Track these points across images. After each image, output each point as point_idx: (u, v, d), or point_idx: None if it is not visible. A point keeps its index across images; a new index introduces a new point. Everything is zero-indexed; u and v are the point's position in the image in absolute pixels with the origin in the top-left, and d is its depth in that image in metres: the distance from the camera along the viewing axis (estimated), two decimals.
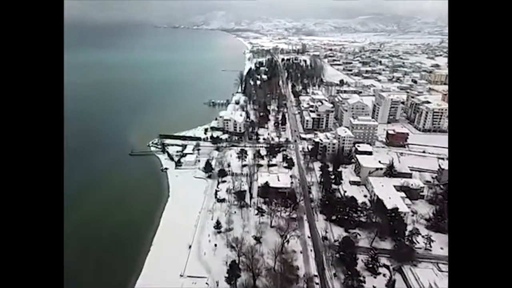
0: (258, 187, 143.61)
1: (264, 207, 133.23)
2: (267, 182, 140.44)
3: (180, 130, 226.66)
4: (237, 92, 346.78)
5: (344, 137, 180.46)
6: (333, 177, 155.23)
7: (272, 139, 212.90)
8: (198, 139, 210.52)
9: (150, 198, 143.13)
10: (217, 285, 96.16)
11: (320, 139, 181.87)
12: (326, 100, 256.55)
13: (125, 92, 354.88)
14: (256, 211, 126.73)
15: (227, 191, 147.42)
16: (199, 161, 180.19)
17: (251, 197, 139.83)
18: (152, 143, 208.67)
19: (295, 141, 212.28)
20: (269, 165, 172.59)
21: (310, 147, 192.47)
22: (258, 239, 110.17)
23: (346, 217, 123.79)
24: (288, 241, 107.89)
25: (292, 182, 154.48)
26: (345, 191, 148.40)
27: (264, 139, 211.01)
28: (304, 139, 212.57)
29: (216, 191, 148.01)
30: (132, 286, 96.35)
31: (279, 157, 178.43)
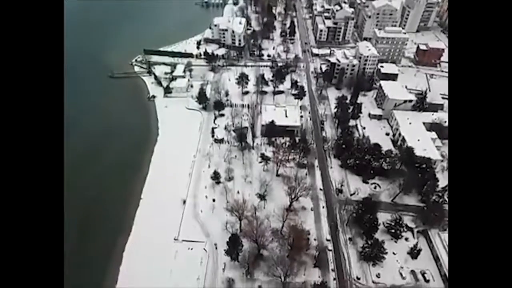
0: (262, 125, 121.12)
1: (269, 150, 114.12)
2: (272, 121, 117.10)
3: (168, 41, 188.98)
4: None
5: (367, 56, 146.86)
6: (350, 109, 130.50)
7: (279, 55, 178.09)
8: (190, 55, 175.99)
9: (135, 138, 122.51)
10: (216, 248, 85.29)
11: (338, 60, 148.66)
12: (345, 2, 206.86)
13: None
14: (259, 158, 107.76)
15: (225, 128, 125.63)
16: (191, 86, 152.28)
17: (253, 137, 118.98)
18: (136, 60, 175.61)
19: (307, 59, 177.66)
20: (275, 93, 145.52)
21: (323, 67, 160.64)
22: (262, 196, 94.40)
23: (364, 164, 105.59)
24: (297, 198, 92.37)
25: (301, 116, 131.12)
26: (364, 128, 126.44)
27: (268, 56, 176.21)
28: (317, 55, 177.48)
29: (213, 128, 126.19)
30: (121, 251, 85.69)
31: (287, 81, 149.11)
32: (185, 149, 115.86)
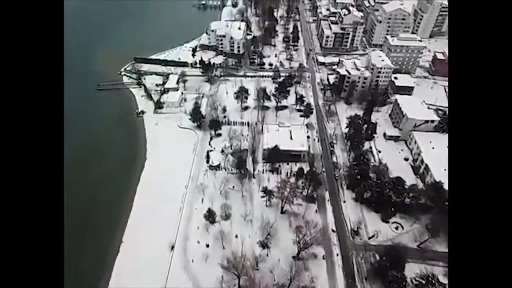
0: (264, 149, 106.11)
1: (272, 179, 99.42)
2: (276, 146, 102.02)
3: (161, 48, 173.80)
4: None
5: (381, 68, 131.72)
6: (364, 128, 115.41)
7: (281, 64, 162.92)
8: (184, 64, 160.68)
9: (119, 164, 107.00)
10: None
11: (347, 71, 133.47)
12: (352, 5, 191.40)
13: None
14: (261, 192, 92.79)
15: (222, 151, 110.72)
16: (185, 100, 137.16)
17: (254, 163, 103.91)
18: (125, 69, 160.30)
19: (313, 68, 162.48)
20: (278, 108, 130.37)
21: (331, 78, 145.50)
22: (264, 245, 79.25)
23: (383, 198, 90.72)
24: (306, 247, 77.46)
25: (308, 137, 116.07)
26: (379, 151, 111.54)
27: (270, 64, 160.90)
28: (323, 64, 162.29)
29: (208, 152, 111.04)
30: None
31: (292, 95, 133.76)
32: (176, 178, 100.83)
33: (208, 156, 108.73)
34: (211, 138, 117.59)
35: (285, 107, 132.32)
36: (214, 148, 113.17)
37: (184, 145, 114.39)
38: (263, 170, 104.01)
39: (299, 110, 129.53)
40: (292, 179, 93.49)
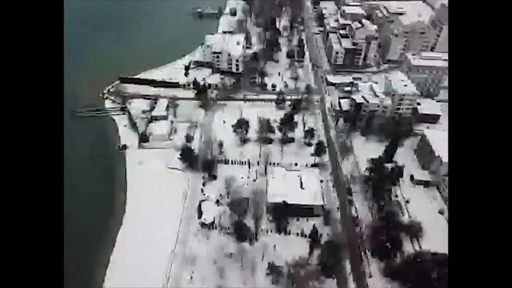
0: (267, 206, 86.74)
1: (279, 241, 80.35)
2: (284, 201, 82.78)
3: (151, 63, 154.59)
4: None
5: (404, 95, 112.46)
6: (387, 168, 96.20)
7: (286, 84, 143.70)
8: (175, 85, 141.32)
9: (89, 221, 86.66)
10: None
11: (364, 98, 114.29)
12: (364, 16, 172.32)
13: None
14: (267, 269, 73.38)
15: (217, 202, 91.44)
16: (175, 131, 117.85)
17: (256, 220, 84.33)
18: (109, 91, 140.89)
19: (322, 89, 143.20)
20: (284, 141, 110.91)
21: (343, 102, 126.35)
22: None
23: (421, 275, 71.25)
24: None
25: (321, 181, 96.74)
26: (407, 201, 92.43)
27: (273, 86, 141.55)
28: (333, 84, 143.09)
29: (200, 203, 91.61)
30: None
31: (299, 126, 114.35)
32: (160, 241, 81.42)
33: (200, 210, 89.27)
34: (204, 183, 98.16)
35: (292, 139, 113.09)
36: (208, 197, 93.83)
37: (172, 193, 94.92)
38: (268, 229, 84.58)
39: (308, 144, 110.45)
40: (306, 251, 73.98)
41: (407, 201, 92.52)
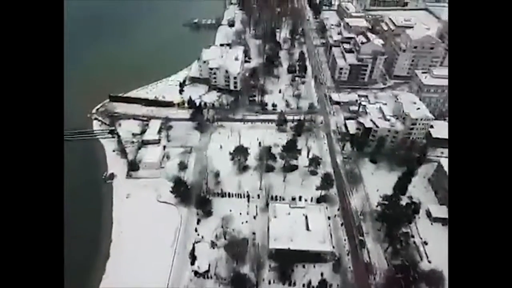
0: (271, 250, 76.96)
1: None
2: (289, 248, 73.13)
3: (144, 79, 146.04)
4: (231, 4, 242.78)
5: (416, 120, 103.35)
6: (401, 204, 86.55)
7: (287, 103, 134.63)
8: (169, 104, 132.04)
9: (66, 268, 76.69)
10: None
11: (373, 122, 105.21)
12: (369, 29, 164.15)
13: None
14: None
15: (212, 244, 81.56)
16: (167, 157, 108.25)
17: (258, 267, 74.38)
18: (97, 111, 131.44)
19: (326, 109, 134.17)
20: (286, 169, 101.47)
21: (349, 124, 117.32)
22: None
23: None
24: None
25: (329, 217, 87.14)
26: (425, 243, 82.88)
27: (274, 106, 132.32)
28: (338, 103, 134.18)
29: (194, 246, 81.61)
30: None
31: (302, 150, 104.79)
32: None
33: (193, 254, 79.26)
34: (198, 220, 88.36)
35: (295, 167, 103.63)
36: (202, 238, 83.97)
37: (163, 232, 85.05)
38: (270, 279, 74.65)
39: (313, 173, 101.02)
40: None
41: (425, 242, 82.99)
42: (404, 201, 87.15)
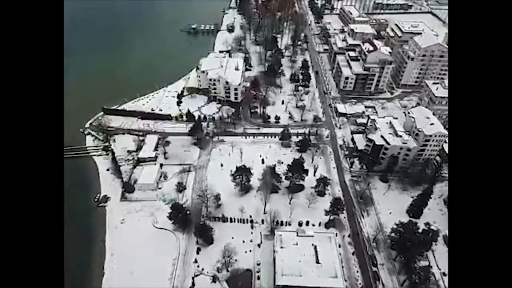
0: (278, 286, 70.31)
1: None
2: (298, 286, 66.46)
3: (140, 89, 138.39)
4: (230, 8, 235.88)
5: (430, 136, 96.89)
6: (417, 230, 79.86)
7: (290, 116, 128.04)
8: (167, 117, 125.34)
9: None
10: None
11: (384, 139, 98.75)
12: (374, 36, 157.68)
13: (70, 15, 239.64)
14: None
15: (213, 278, 74.80)
16: (165, 177, 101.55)
17: None
18: (91, 125, 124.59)
19: (331, 121, 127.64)
20: (292, 189, 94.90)
21: (357, 138, 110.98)
22: None
23: None
24: None
25: (340, 245, 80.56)
26: (444, 274, 76.30)
27: (277, 118, 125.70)
28: (345, 115, 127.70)
29: (194, 278, 74.89)
30: None
31: (308, 167, 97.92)
32: None
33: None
34: (198, 249, 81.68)
35: (302, 187, 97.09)
36: (203, 270, 77.28)
37: (159, 263, 78.37)
38: None
39: (320, 194, 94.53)
40: None
41: (444, 274, 76.50)
42: (419, 223, 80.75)
